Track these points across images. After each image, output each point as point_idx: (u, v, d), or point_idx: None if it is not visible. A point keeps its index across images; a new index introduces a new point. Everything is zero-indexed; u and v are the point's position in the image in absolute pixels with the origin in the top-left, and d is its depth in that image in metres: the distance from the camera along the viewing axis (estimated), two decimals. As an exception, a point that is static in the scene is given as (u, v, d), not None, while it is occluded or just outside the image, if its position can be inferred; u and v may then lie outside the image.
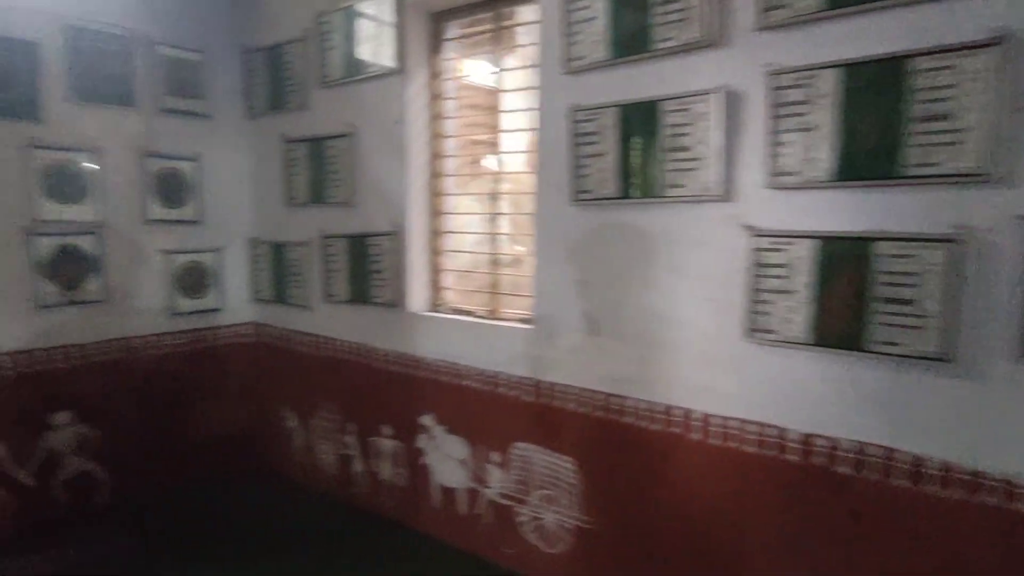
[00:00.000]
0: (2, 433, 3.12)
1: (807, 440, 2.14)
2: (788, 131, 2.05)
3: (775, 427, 2.20)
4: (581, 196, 2.61)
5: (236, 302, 4.04)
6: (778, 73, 2.06)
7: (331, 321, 3.67)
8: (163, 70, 3.60)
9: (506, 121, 3.14)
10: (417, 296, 3.31)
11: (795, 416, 2.16)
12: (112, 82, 3.40)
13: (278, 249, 3.91)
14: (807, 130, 2.01)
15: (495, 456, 3.04)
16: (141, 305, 3.60)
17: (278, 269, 3.94)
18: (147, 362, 3.65)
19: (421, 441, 3.33)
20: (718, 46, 2.20)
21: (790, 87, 2.04)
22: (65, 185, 3.25)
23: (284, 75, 3.74)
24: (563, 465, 2.81)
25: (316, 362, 3.79)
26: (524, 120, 2.92)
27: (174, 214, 3.70)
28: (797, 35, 2.04)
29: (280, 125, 3.80)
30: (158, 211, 3.63)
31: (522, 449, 2.94)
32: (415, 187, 3.26)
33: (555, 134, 2.66)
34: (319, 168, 3.60)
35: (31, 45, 3.10)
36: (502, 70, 3.07)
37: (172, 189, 3.68)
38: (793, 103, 2.03)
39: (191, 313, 3.83)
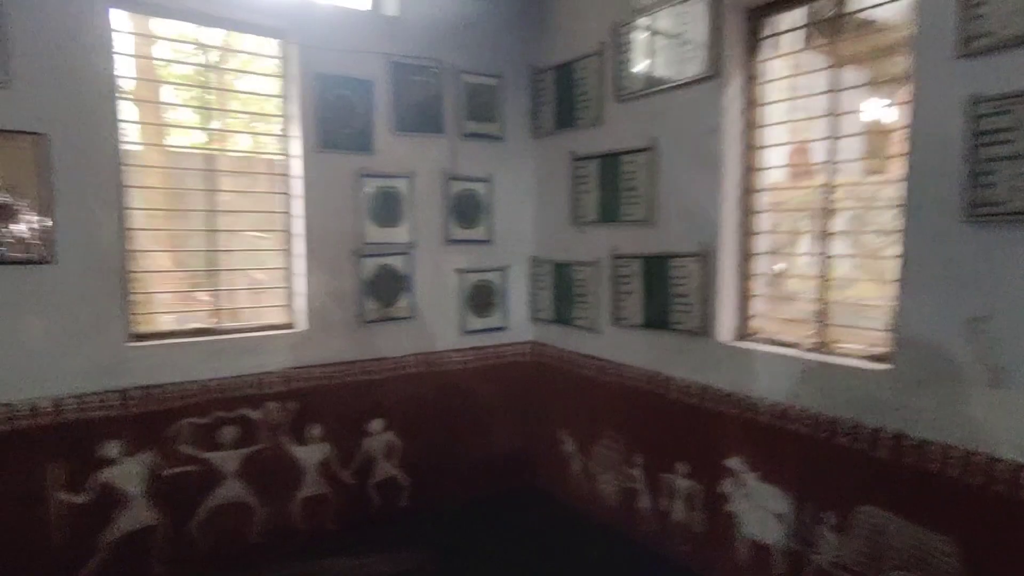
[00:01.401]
0: (333, 436, 3.45)
1: None
2: None
3: None
4: (982, 210, 2.06)
5: (517, 321, 4.09)
6: None
7: (619, 346, 3.49)
8: (465, 97, 3.77)
9: (842, 124, 2.67)
10: (726, 323, 2.98)
11: None
12: (425, 112, 3.63)
13: (560, 269, 3.87)
14: None
15: (829, 517, 2.57)
16: (439, 322, 3.79)
17: (560, 289, 3.89)
18: (441, 377, 3.82)
19: (726, 486, 2.98)
20: None
21: None
22: (386, 209, 3.53)
23: (575, 92, 3.68)
24: (936, 546, 2.25)
25: (599, 387, 3.65)
26: (868, 122, 2.44)
27: (468, 234, 3.85)
28: None
29: (568, 143, 3.75)
30: (456, 231, 3.80)
31: (871, 515, 2.43)
32: (728, 203, 2.93)
33: (940, 133, 2.15)
34: (611, 185, 3.46)
35: (368, 83, 3.41)
36: (839, 64, 2.62)
37: (468, 210, 3.83)
38: None
39: (479, 331, 3.94)
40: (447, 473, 3.85)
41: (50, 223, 2.64)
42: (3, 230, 2.54)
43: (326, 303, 3.39)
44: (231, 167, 3.30)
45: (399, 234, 3.59)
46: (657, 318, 3.24)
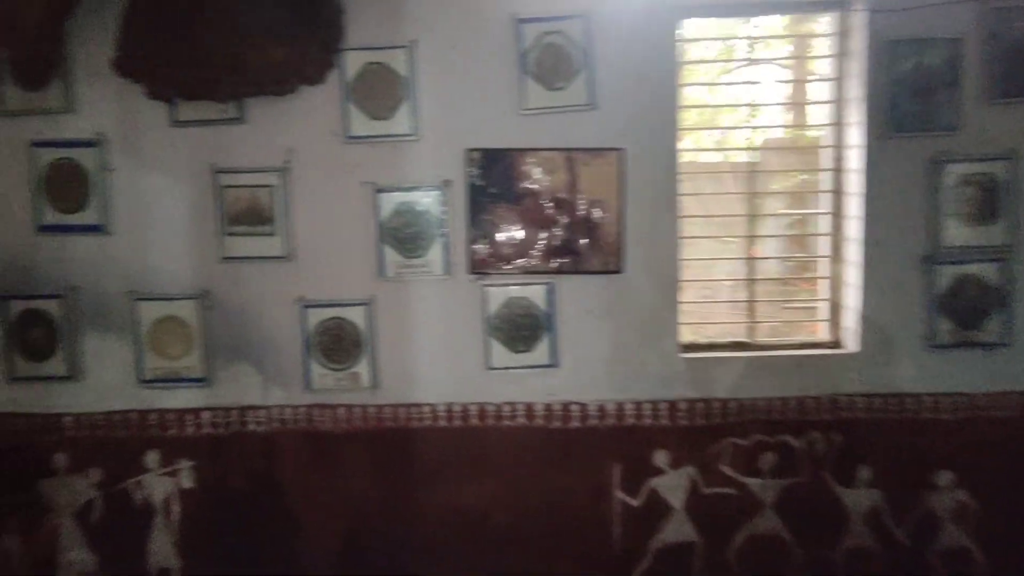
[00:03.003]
0: (884, 481, 2.84)
1: None
2: None
3: None
4: None
5: None
6: None
7: None
8: (1104, 36, 2.66)
9: None
10: None
11: None
12: (1030, 68, 2.69)
13: None
14: None
15: None
16: (1042, 352, 2.79)
17: None
18: (1037, 425, 2.81)
19: None
20: None
21: None
22: (972, 202, 2.73)
23: None
24: None
25: None
26: None
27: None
28: None
29: None
30: (1078, 229, 2.72)
31: None
32: None
33: None
34: None
35: (953, 43, 2.68)
36: None
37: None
38: None
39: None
40: (1040, 556, 2.82)
41: (622, 234, 2.77)
42: (590, 242, 2.75)
43: (885, 321, 2.80)
44: (769, 167, 3.01)
45: (991, 234, 2.73)
46: None
